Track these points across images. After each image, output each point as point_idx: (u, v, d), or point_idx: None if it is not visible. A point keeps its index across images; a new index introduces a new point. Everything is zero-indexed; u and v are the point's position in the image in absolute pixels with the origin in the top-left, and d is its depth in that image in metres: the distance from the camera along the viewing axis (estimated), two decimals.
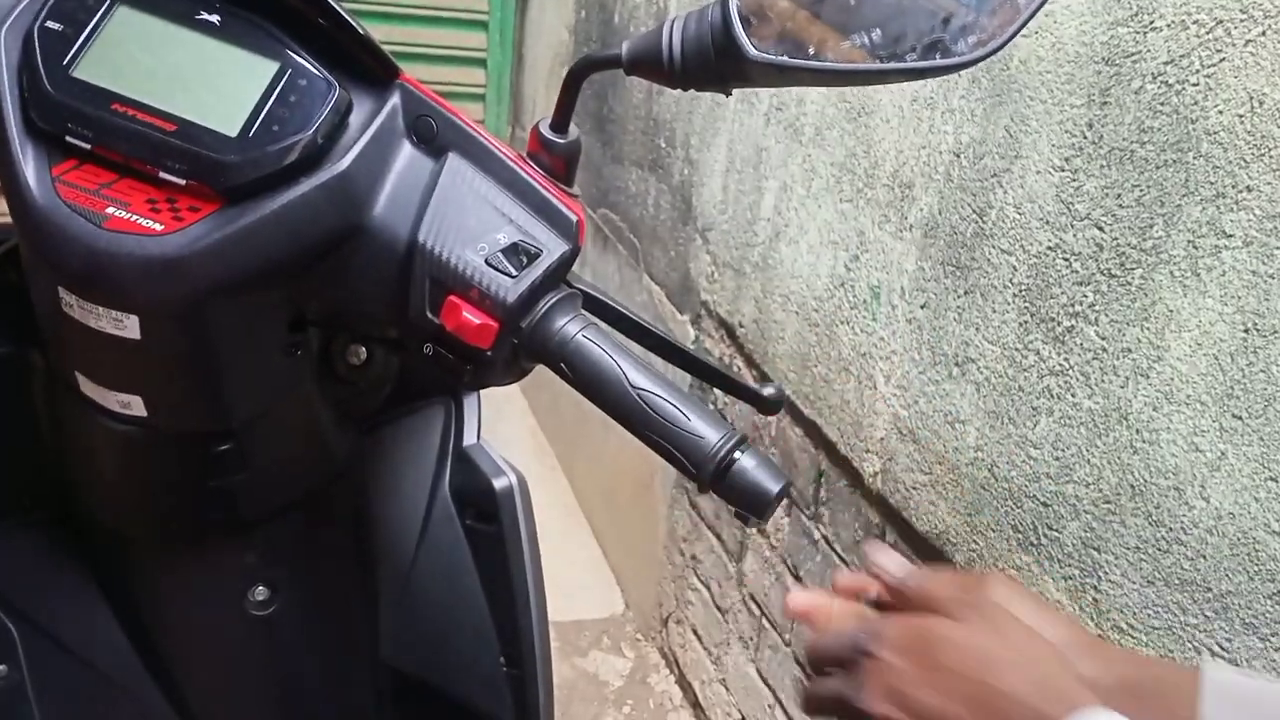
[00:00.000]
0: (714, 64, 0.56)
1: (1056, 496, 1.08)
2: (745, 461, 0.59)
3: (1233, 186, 0.87)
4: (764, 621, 1.75)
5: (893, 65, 0.53)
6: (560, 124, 0.64)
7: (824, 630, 0.61)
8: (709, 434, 0.58)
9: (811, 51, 0.53)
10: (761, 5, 0.54)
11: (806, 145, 1.56)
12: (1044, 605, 0.62)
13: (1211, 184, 0.89)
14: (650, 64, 0.59)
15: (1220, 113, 0.88)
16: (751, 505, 0.58)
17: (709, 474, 0.58)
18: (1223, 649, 0.90)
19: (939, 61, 0.53)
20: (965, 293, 1.21)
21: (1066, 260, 1.05)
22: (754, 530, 1.78)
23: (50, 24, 0.57)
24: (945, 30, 0.52)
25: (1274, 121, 0.84)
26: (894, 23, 0.52)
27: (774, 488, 0.58)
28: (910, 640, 0.56)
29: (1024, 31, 0.52)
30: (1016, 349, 1.13)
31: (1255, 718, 0.55)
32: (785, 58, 0.53)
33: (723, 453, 0.58)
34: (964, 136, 1.20)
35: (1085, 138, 1.02)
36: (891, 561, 0.61)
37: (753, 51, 0.53)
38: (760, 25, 0.53)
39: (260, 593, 0.75)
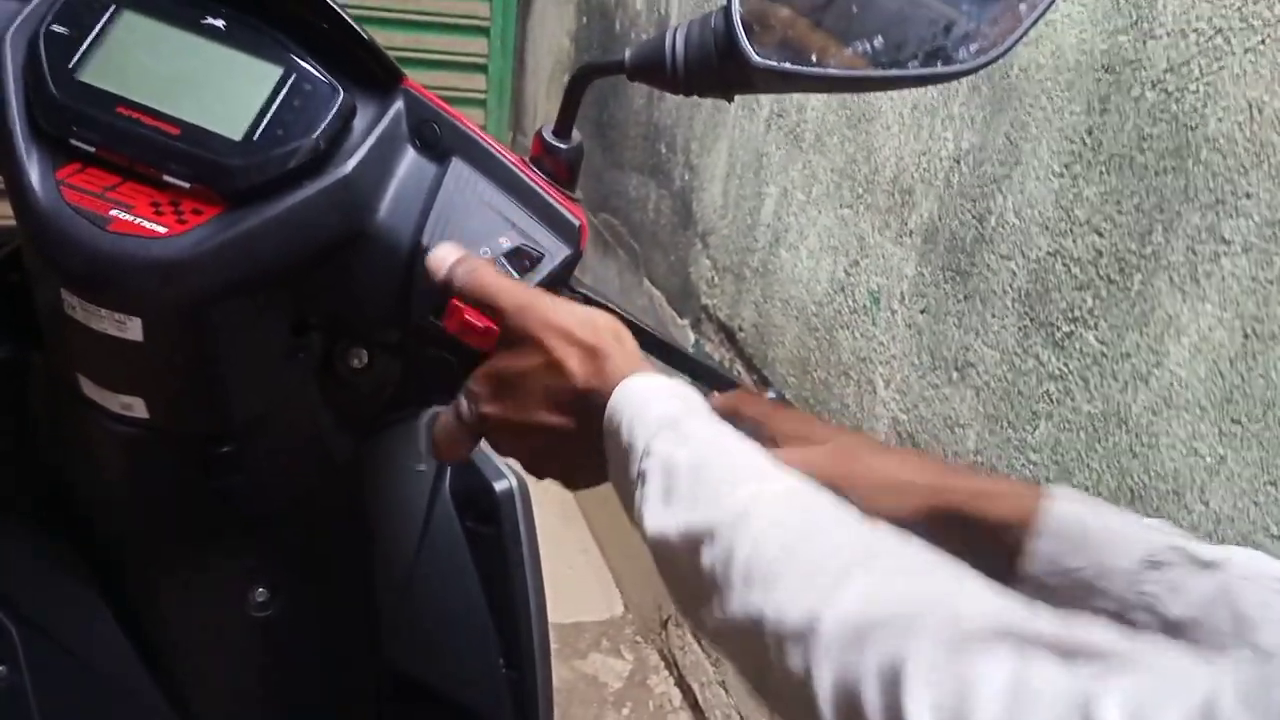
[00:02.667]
0: (717, 70, 0.56)
1: None
2: None
3: (1232, 193, 0.88)
4: None
5: (894, 72, 0.54)
6: (563, 129, 0.64)
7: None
8: None
9: (814, 58, 0.54)
10: (764, 12, 0.54)
11: (807, 151, 1.57)
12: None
13: (1211, 191, 0.89)
14: (653, 70, 0.59)
15: (1219, 120, 0.89)
16: None
17: None
18: None
19: (940, 69, 0.53)
20: (965, 298, 1.21)
21: (1066, 266, 1.05)
22: None
23: (56, 28, 0.57)
24: (947, 38, 0.52)
25: (1273, 129, 0.84)
26: (896, 30, 0.53)
27: None
28: (493, 388, 0.58)
29: (1024, 40, 0.53)
30: (1016, 354, 1.13)
31: (1085, 552, 0.55)
32: (788, 64, 0.53)
33: None
34: (964, 143, 1.21)
35: (1085, 144, 1.03)
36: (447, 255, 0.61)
37: (756, 58, 0.53)
38: (763, 32, 0.54)
39: (260, 594, 0.75)
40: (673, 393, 0.53)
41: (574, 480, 0.62)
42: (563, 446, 0.58)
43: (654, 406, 0.52)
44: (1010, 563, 0.56)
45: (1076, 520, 0.57)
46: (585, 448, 0.56)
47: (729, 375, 0.75)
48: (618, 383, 0.54)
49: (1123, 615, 0.53)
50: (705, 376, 0.75)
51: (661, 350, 0.72)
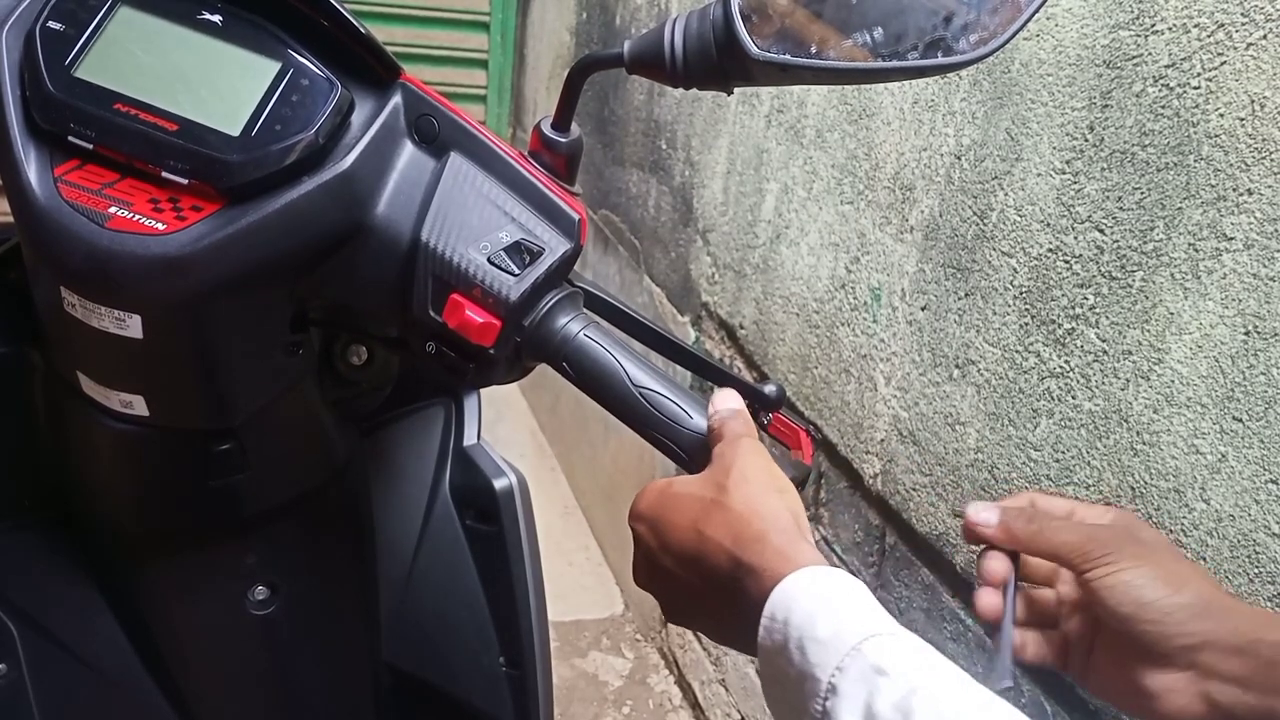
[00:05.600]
0: (716, 62, 0.56)
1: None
2: None
3: (1233, 190, 0.87)
4: None
5: (894, 64, 0.53)
6: (562, 123, 0.64)
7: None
8: None
9: (813, 50, 0.53)
10: (763, 3, 0.54)
11: (807, 147, 1.56)
12: (1177, 556, 0.60)
13: (1212, 187, 0.89)
14: (652, 63, 0.59)
15: (1221, 116, 0.88)
16: None
17: None
18: None
19: (940, 60, 0.53)
20: (966, 295, 1.21)
21: (1067, 263, 1.05)
22: None
23: (52, 24, 0.57)
24: (946, 29, 0.52)
25: (1275, 125, 0.84)
26: (895, 21, 0.53)
27: None
28: (649, 504, 0.55)
29: (1025, 33, 0.53)
30: (1017, 351, 1.13)
31: None
32: (787, 56, 0.53)
33: None
34: (965, 139, 1.20)
35: (1086, 140, 1.03)
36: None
37: (755, 50, 0.53)
38: (761, 23, 0.54)
39: (260, 593, 0.75)
40: (847, 600, 0.46)
41: (722, 640, 0.56)
42: (704, 605, 0.53)
43: (825, 621, 0.44)
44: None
45: None
46: (733, 620, 0.51)
47: (730, 371, 0.75)
48: (778, 573, 0.47)
49: None
50: (708, 373, 0.75)
51: (663, 345, 0.72)
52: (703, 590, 0.52)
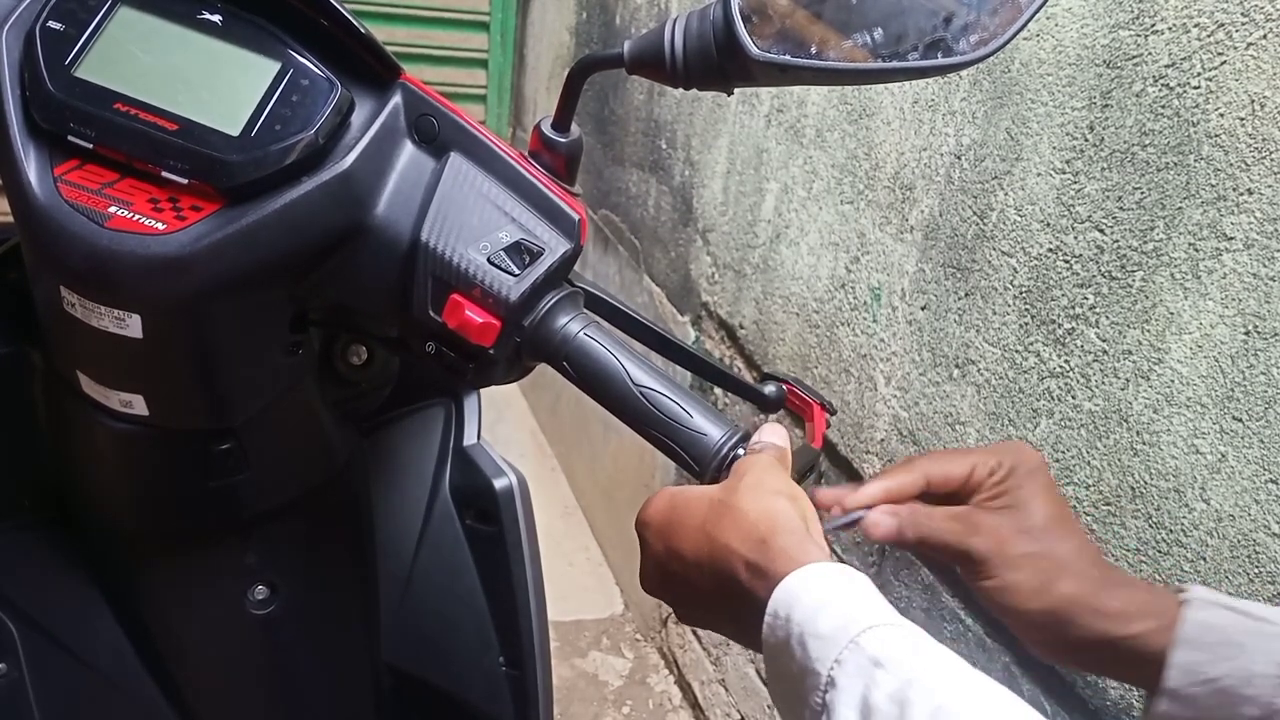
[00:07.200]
0: (716, 63, 0.56)
1: None
2: None
3: (1234, 189, 0.87)
4: None
5: (894, 64, 0.53)
6: (562, 123, 0.64)
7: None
8: (711, 431, 0.59)
9: (813, 50, 0.53)
10: (763, 4, 0.54)
11: (807, 147, 1.56)
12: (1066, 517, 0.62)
13: (1212, 187, 0.89)
14: (652, 63, 0.59)
15: (1221, 116, 0.88)
16: None
17: (711, 470, 0.58)
18: None
19: (940, 61, 0.53)
20: (966, 294, 1.21)
21: (1067, 262, 1.05)
22: None
23: (52, 24, 0.57)
24: (946, 29, 0.52)
25: (1275, 124, 0.84)
26: (895, 22, 0.53)
27: None
28: (657, 510, 0.56)
29: (1025, 33, 0.53)
30: (1017, 351, 1.13)
31: (1226, 659, 0.54)
32: (787, 57, 0.53)
33: (725, 449, 0.58)
34: (965, 139, 1.20)
35: (1086, 140, 1.03)
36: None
37: (755, 50, 0.53)
38: (762, 24, 0.53)
39: (260, 592, 0.75)
40: (848, 595, 0.46)
41: (735, 638, 0.57)
42: (716, 606, 0.54)
43: (826, 616, 0.45)
44: (1153, 677, 0.55)
45: (1215, 626, 0.55)
46: (744, 619, 0.51)
47: (730, 372, 0.75)
48: (782, 572, 0.48)
49: None
50: (708, 373, 0.75)
51: (663, 345, 0.72)
52: (714, 592, 0.53)
